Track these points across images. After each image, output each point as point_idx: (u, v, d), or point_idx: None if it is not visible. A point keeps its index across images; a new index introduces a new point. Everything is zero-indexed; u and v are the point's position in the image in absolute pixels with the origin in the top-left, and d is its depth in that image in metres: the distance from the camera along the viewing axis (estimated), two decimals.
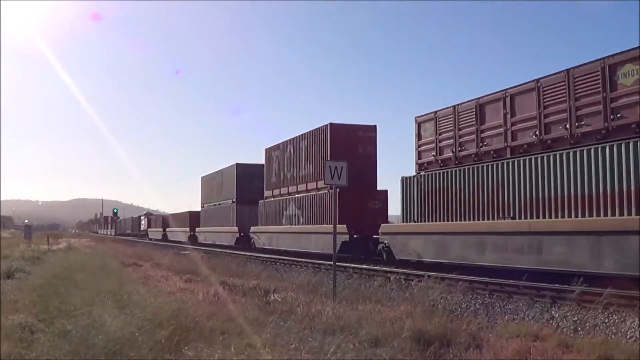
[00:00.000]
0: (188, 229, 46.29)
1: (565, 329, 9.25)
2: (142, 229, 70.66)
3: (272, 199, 30.24)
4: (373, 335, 6.51)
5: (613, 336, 8.48)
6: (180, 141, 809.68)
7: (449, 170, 16.71)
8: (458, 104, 16.88)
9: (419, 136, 18.59)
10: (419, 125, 18.58)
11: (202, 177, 44.92)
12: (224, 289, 11.56)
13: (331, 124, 23.58)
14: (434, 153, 17.64)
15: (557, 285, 11.27)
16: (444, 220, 16.55)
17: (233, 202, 35.25)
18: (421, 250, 17.17)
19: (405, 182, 18.71)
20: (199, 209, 47.85)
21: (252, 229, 33.44)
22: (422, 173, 18.10)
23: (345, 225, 21.79)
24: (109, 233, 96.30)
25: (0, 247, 22.32)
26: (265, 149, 31.46)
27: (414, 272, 15.15)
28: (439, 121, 17.53)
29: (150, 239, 59.98)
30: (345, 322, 7.26)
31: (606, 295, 9.83)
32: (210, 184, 41.86)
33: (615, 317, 9.26)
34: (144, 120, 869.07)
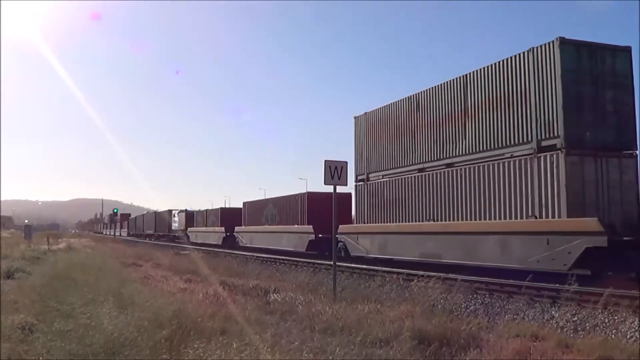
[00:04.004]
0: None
1: (565, 329, 9.25)
2: (174, 228, 52.54)
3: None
4: (373, 335, 6.51)
5: (613, 336, 8.48)
6: (180, 141, 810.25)
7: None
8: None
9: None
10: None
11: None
12: (224, 289, 11.55)
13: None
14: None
15: (557, 285, 11.27)
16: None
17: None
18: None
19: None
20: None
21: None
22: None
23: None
24: (117, 234, 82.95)
25: (0, 247, 22.28)
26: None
27: (414, 272, 15.15)
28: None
29: (194, 246, 36.76)
30: (345, 322, 7.26)
31: (606, 295, 9.85)
32: None
33: (615, 317, 9.25)
34: (144, 120, 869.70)
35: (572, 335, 8.65)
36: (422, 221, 17.34)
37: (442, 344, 6.40)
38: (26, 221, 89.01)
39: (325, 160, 11.02)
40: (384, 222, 19.48)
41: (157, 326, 6.22)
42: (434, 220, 16.84)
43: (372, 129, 20.96)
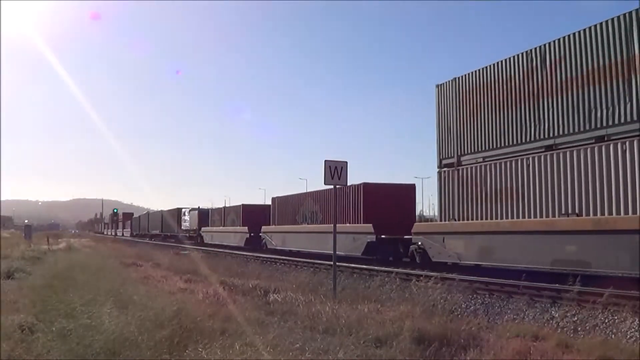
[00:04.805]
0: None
1: (565, 329, 9.25)
2: (185, 227, 49.33)
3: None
4: (373, 335, 6.51)
5: (613, 336, 8.48)
6: (180, 141, 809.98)
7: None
8: None
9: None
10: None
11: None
12: (224, 289, 11.56)
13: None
14: None
15: (557, 285, 11.27)
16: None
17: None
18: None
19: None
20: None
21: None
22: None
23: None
24: (120, 234, 79.90)
25: (0, 247, 22.27)
26: None
27: (414, 272, 15.14)
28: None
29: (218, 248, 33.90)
30: (346, 322, 7.26)
31: (606, 295, 9.84)
32: None
33: (615, 317, 9.25)
34: (144, 120, 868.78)
35: (572, 335, 8.66)
36: (556, 216, 12.86)
37: (442, 344, 6.40)
38: (26, 221, 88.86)
39: (325, 160, 11.01)
40: (486, 219, 14.79)
41: (157, 326, 6.22)
42: (577, 215, 12.39)
43: (466, 99, 16.13)
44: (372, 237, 20.12)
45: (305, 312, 8.32)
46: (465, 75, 16.39)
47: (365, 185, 21.87)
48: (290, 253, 26.55)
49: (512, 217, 13.97)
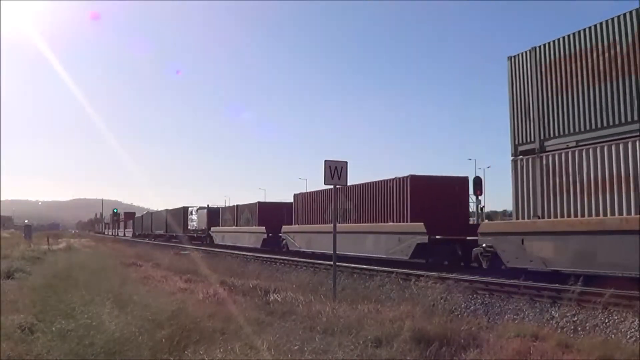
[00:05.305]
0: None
1: (565, 329, 9.25)
2: (192, 227, 47.21)
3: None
4: (373, 335, 6.51)
5: (613, 336, 8.49)
6: (181, 141, 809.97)
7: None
8: None
9: None
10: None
11: None
12: (224, 289, 11.56)
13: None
14: None
15: (557, 285, 11.27)
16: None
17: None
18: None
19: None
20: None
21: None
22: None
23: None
24: (121, 234, 78.29)
25: (0, 247, 22.27)
26: None
27: (414, 272, 15.14)
28: None
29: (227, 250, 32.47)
30: (346, 322, 7.26)
31: (606, 295, 9.83)
32: None
33: (615, 317, 9.26)
34: (144, 119, 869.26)
35: (572, 335, 8.66)
36: None
37: (442, 344, 6.39)
38: (26, 221, 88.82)
39: (325, 160, 11.02)
40: (583, 215, 12.16)
41: (157, 326, 6.23)
42: None
43: (552, 71, 13.36)
44: (424, 238, 17.48)
45: (305, 312, 8.32)
46: (550, 42, 13.55)
47: (413, 178, 19.18)
48: (313, 255, 23.70)
49: (622, 213, 11.37)
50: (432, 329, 6.84)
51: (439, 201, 18.49)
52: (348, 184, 12.01)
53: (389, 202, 19.98)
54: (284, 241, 28.83)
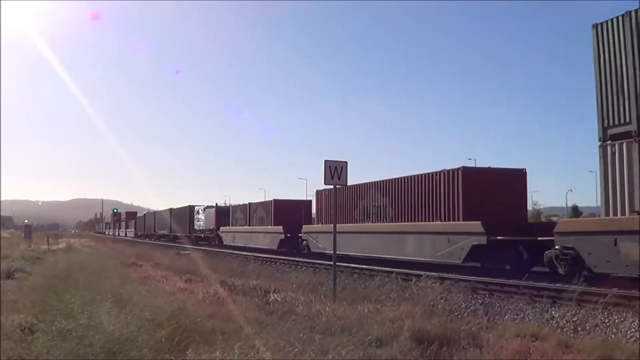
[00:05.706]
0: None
1: (565, 329, 9.25)
2: (198, 227, 44.81)
3: None
4: (373, 335, 6.51)
5: (613, 336, 8.49)
6: (181, 141, 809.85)
7: None
8: None
9: None
10: None
11: None
12: (224, 289, 11.56)
13: None
14: None
15: (557, 285, 11.27)
16: None
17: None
18: None
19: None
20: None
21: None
22: None
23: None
24: (122, 234, 76.81)
25: (0, 247, 22.28)
26: None
27: (414, 272, 15.13)
28: None
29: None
30: (346, 322, 7.26)
31: (606, 295, 9.83)
32: None
33: (615, 317, 9.26)
34: (143, 119, 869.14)
35: (572, 335, 8.66)
36: None
37: (442, 344, 6.39)
38: (26, 221, 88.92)
39: (325, 160, 11.03)
40: None
41: (157, 326, 6.23)
42: None
43: None
44: (481, 239, 15.21)
45: (305, 312, 8.32)
46: None
47: (465, 170, 17.07)
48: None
49: None
50: (432, 329, 6.84)
51: (495, 197, 16.37)
52: (348, 184, 12.00)
53: (436, 198, 17.52)
54: (305, 242, 26.37)
